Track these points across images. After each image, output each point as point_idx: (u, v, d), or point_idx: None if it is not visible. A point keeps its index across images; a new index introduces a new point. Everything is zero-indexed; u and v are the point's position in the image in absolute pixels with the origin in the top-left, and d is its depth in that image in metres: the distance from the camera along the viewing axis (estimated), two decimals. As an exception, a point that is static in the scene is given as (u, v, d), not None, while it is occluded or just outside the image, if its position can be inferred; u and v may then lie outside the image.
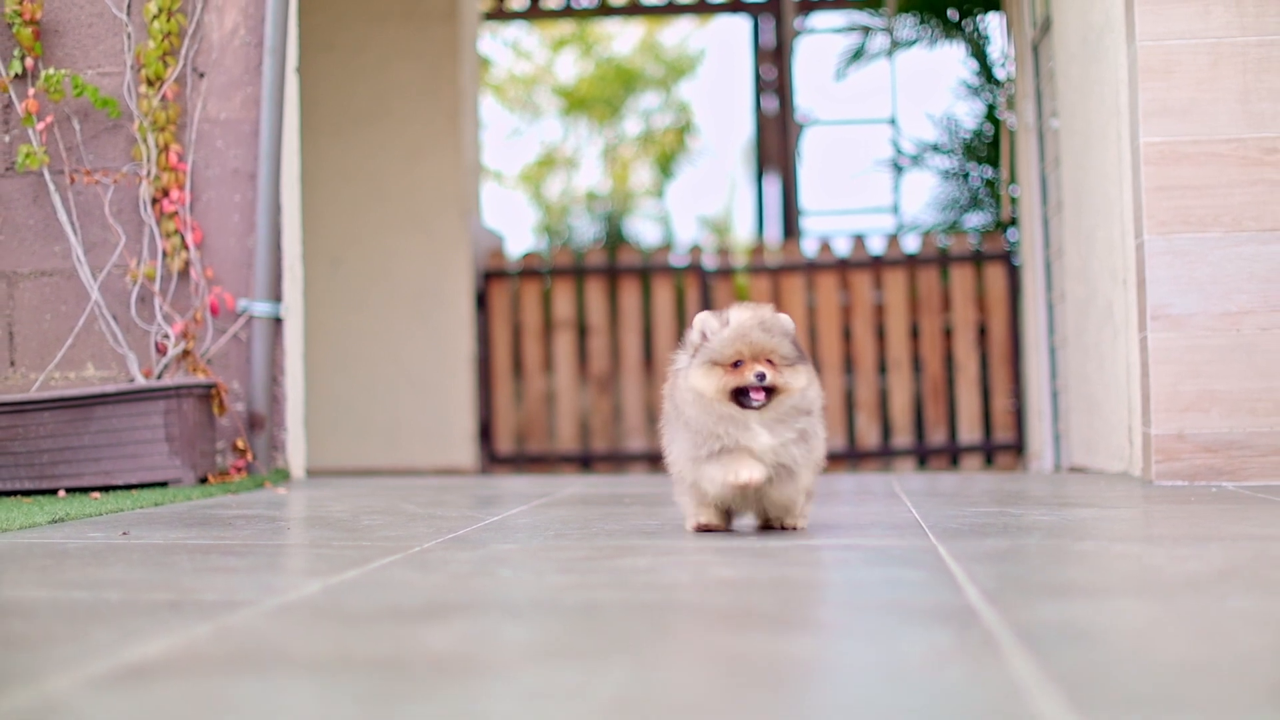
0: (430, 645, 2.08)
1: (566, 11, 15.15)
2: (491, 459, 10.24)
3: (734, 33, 16.52)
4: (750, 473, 3.36)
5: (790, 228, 13.01)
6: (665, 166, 17.20)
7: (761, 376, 3.35)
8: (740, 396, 3.38)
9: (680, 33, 17.64)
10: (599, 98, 17.17)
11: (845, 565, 3.00)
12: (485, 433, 10.22)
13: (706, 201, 17.79)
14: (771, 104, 14.40)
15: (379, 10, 9.65)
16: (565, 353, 10.40)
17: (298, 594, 2.62)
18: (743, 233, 16.81)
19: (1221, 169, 5.49)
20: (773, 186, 14.27)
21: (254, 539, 3.73)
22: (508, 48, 17.31)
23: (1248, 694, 1.69)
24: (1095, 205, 6.73)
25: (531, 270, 10.46)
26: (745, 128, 15.76)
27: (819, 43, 15.73)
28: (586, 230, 15.96)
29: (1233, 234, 5.48)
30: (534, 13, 15.00)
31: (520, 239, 16.27)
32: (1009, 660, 1.90)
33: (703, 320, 3.47)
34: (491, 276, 10.31)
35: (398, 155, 9.68)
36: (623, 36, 17.68)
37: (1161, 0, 5.56)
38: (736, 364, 3.38)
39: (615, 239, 15.36)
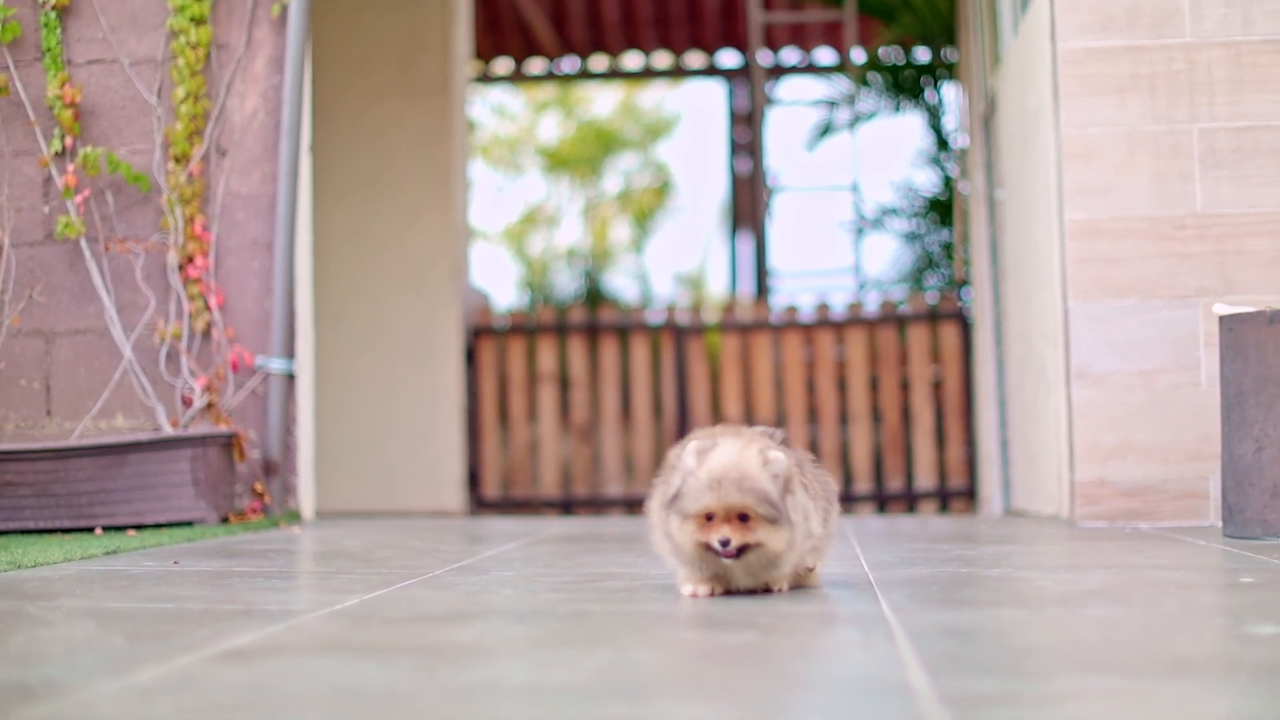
0: (457, 639, 2.71)
1: (549, 76, 15.86)
2: (479, 503, 10.89)
3: (710, 96, 17.24)
4: (696, 590, 3.34)
5: (761, 285, 13.69)
6: (643, 224, 17.89)
7: (725, 543, 3.18)
8: (713, 551, 3.21)
9: (658, 95, 18.35)
10: (580, 157, 17.88)
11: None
12: (473, 478, 10.86)
13: (682, 258, 18.50)
14: (745, 166, 15.12)
15: (376, 85, 10.31)
16: (548, 404, 11.05)
17: (341, 606, 3.25)
18: (717, 288, 17.48)
19: (1137, 243, 6.16)
20: (746, 244, 14.97)
21: (288, 567, 4.36)
22: (493, 111, 18.00)
23: (1060, 666, 2.33)
24: (1032, 272, 7.40)
25: (517, 327, 11.14)
26: (720, 187, 16.46)
27: (793, 95, 16.42)
28: (567, 286, 16.63)
29: (1148, 301, 6.14)
30: (518, 77, 15.70)
31: (504, 294, 16.92)
32: (898, 648, 2.53)
33: (687, 454, 3.27)
34: (480, 333, 10.98)
35: (393, 220, 10.32)
36: (602, 99, 18.38)
37: (1084, 92, 6.24)
38: (710, 517, 3.19)
39: (595, 294, 16.02)
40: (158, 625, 2.91)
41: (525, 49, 15.34)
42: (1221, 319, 5.26)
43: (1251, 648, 2.48)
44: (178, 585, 3.74)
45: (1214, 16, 6.18)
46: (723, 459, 3.20)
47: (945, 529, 6.35)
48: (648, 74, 16.00)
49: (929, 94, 11.91)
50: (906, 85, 11.91)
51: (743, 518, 3.18)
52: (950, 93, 11.84)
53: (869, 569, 4.09)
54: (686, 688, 2.19)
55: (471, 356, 10.89)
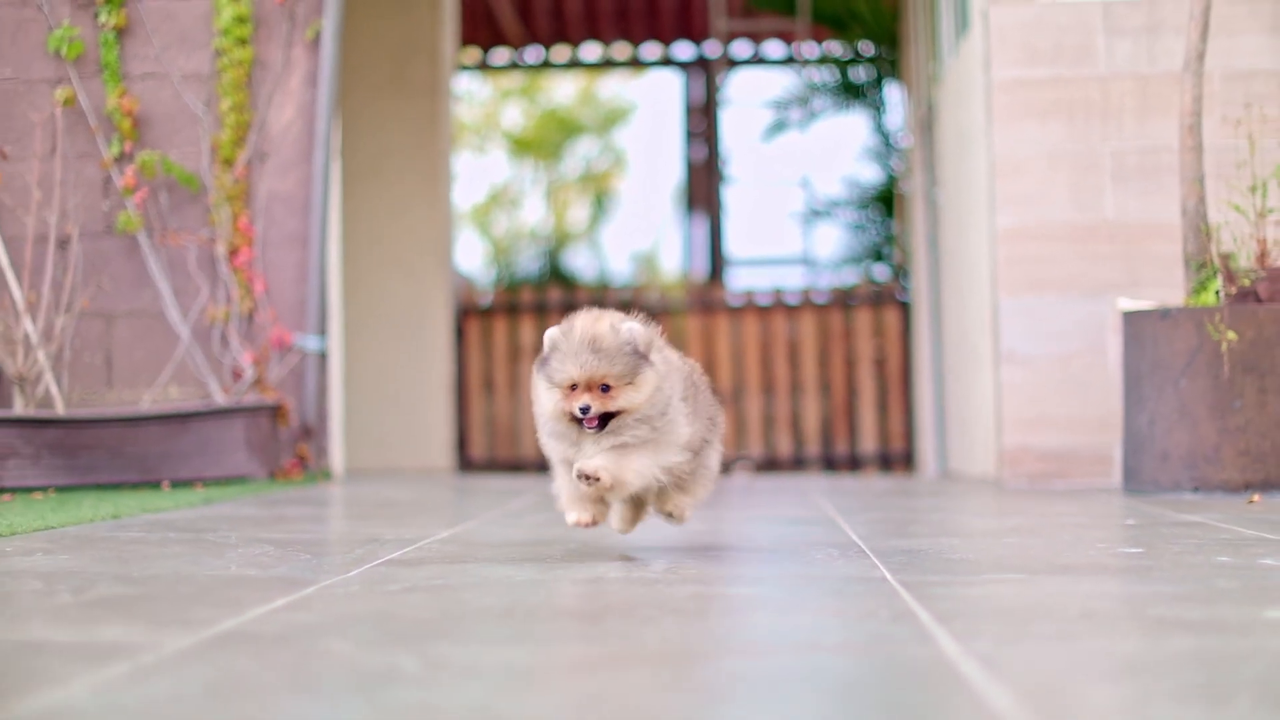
0: (551, 553, 3.73)
1: (513, 65, 16.80)
2: (466, 463, 11.98)
3: (665, 85, 18.20)
4: (579, 517, 3.53)
5: (716, 267, 14.75)
6: (601, 206, 18.91)
7: (585, 409, 3.36)
8: (576, 420, 3.41)
9: (616, 86, 19.33)
10: (542, 142, 18.86)
11: (773, 524, 4.67)
12: (461, 441, 11.91)
13: (637, 239, 19.48)
14: (700, 153, 16.11)
15: (372, 85, 11.25)
16: (529, 375, 12.11)
17: (441, 535, 4.25)
18: (669, 267, 18.49)
19: (1057, 246, 7.23)
20: (700, 228, 15.98)
21: (366, 512, 5.37)
22: (459, 98, 18.91)
23: (982, 569, 3.37)
24: (967, 268, 8.47)
25: (500, 306, 12.23)
26: (675, 173, 17.41)
27: (746, 91, 17.42)
28: (530, 264, 17.60)
29: (1065, 295, 7.22)
30: (484, 67, 16.64)
31: (471, 271, 17.84)
32: (869, 559, 3.57)
33: (549, 335, 3.50)
34: (467, 312, 12.06)
35: (387, 210, 11.28)
36: (563, 87, 19.35)
37: (1013, 116, 7.30)
38: (573, 387, 3.39)
39: (556, 272, 17.03)
40: (320, 548, 3.92)
41: (492, 39, 16.24)
42: (1124, 314, 6.32)
43: (1116, 559, 3.54)
44: (296, 523, 4.75)
45: (1124, 53, 7.24)
46: (581, 329, 3.40)
47: (890, 486, 7.43)
48: (608, 65, 16.96)
49: (874, 96, 12.97)
50: (854, 88, 12.96)
51: (604, 388, 3.38)
52: (894, 95, 12.89)
53: (834, 513, 5.14)
54: (734, 579, 3.22)
55: (460, 332, 11.93)
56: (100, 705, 1.82)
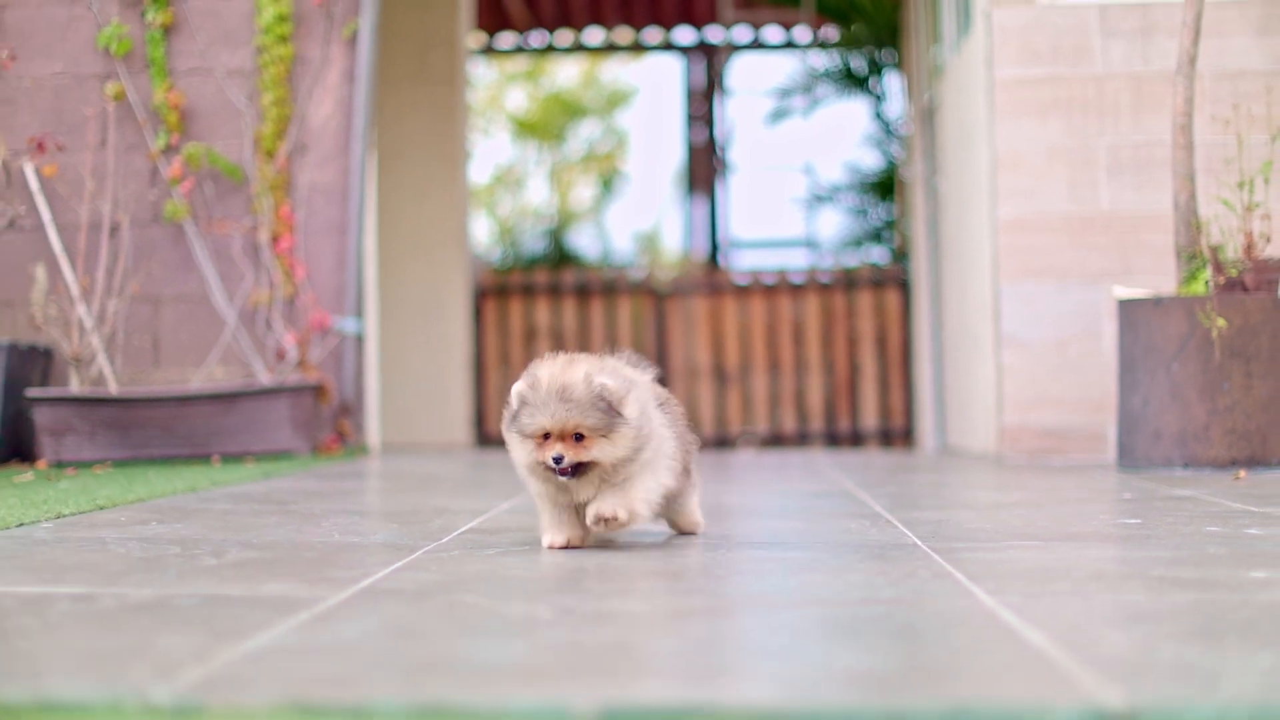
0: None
1: (518, 50, 17.21)
2: (483, 438, 12.44)
3: (667, 70, 18.57)
4: (553, 539, 3.51)
5: (717, 247, 15.20)
6: (604, 187, 19.33)
7: (559, 459, 3.31)
8: (550, 469, 3.36)
9: (618, 70, 19.73)
10: (545, 124, 19.28)
11: (797, 498, 5.10)
12: (479, 417, 12.39)
13: (640, 219, 19.86)
14: (701, 136, 16.53)
15: (397, 75, 11.65)
16: (544, 354, 12.59)
17: (502, 508, 4.69)
18: (670, 247, 18.91)
19: (1055, 236, 7.67)
20: (700, 209, 16.40)
21: (418, 485, 5.80)
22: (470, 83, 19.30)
23: (1000, 537, 3.81)
24: (968, 256, 8.91)
25: (516, 288, 12.71)
26: (677, 155, 17.81)
27: (748, 74, 17.81)
28: (534, 244, 18.03)
29: (1063, 283, 7.66)
30: (490, 51, 17.05)
31: (479, 251, 18.23)
32: (897, 528, 4.01)
33: (515, 390, 3.43)
34: (484, 293, 12.53)
35: (407, 196, 11.69)
36: (566, 71, 19.76)
37: (1014, 113, 7.73)
38: (546, 435, 3.34)
39: (559, 251, 17.47)
40: (402, 518, 4.35)
41: (498, 24, 16.63)
42: (1119, 301, 6.76)
43: (1116, 529, 3.99)
44: (362, 496, 5.18)
45: (1119, 53, 7.67)
46: (549, 379, 3.34)
47: (895, 461, 7.88)
48: (610, 49, 17.38)
49: (875, 85, 13.40)
50: (855, 76, 13.40)
51: (578, 437, 3.31)
52: (894, 84, 13.32)
53: (852, 486, 5.59)
54: (784, 545, 3.66)
55: (478, 313, 12.41)
56: (309, 644, 2.25)
